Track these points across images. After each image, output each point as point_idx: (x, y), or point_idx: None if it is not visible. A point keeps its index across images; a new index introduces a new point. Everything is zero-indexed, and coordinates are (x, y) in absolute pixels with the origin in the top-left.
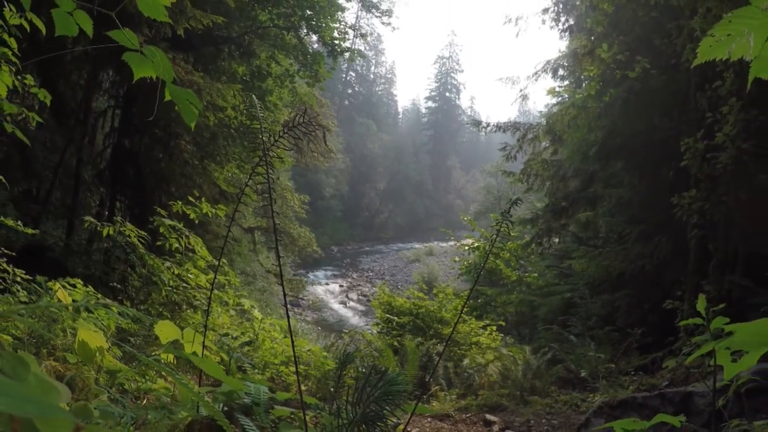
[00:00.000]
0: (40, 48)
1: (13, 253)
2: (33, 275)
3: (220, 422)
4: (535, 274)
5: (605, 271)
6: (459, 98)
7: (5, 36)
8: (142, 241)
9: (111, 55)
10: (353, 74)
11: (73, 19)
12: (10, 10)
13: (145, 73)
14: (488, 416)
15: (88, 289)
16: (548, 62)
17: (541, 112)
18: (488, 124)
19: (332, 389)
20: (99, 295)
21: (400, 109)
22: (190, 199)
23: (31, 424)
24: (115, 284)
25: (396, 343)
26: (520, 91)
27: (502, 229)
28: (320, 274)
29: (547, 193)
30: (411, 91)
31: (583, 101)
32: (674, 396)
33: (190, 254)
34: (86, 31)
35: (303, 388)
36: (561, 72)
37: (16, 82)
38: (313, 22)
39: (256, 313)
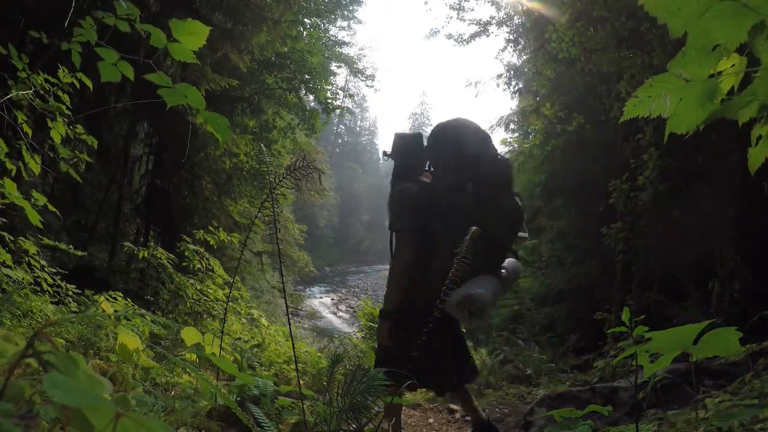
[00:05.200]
0: (88, 103)
1: (66, 272)
2: (82, 290)
3: (234, 410)
4: None
5: (547, 288)
6: None
7: (59, 93)
8: (171, 262)
9: (146, 111)
10: (343, 127)
11: (117, 68)
12: (63, 70)
13: (176, 102)
14: (452, 405)
15: (126, 301)
16: (501, 118)
17: None
18: None
19: (325, 383)
20: (135, 307)
21: (381, 156)
22: (210, 228)
23: (80, 412)
24: (148, 297)
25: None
26: None
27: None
28: (315, 289)
29: None
30: (390, 140)
31: (529, 150)
32: (603, 390)
33: (210, 273)
34: (128, 77)
35: (301, 382)
36: (512, 126)
37: (69, 131)
38: (311, 85)
39: (263, 321)
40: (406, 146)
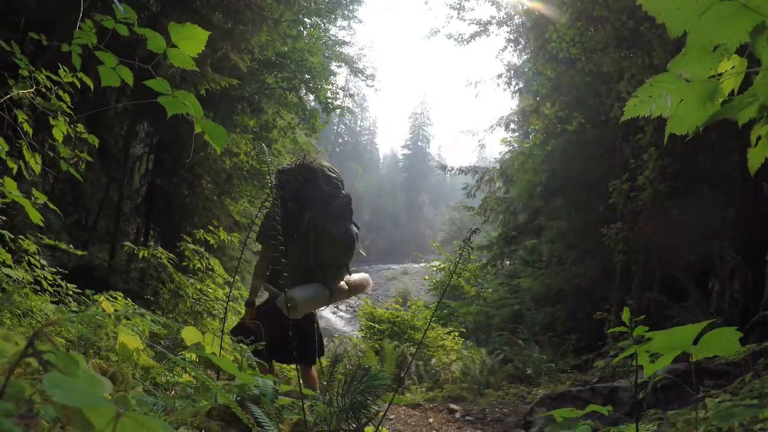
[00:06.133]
0: (89, 103)
1: (66, 271)
2: (82, 289)
3: (234, 409)
4: (490, 290)
5: (547, 288)
6: (429, 147)
7: (60, 92)
8: (171, 262)
9: (146, 111)
10: (343, 127)
11: (116, 73)
12: (64, 70)
13: (177, 110)
14: (451, 405)
15: (127, 301)
16: (502, 117)
17: (495, 158)
18: (453, 168)
19: (325, 383)
20: (135, 306)
21: (381, 156)
22: (210, 228)
23: (80, 411)
24: (148, 297)
25: (377, 346)
26: (479, 141)
27: (463, 254)
28: None
29: (500, 224)
30: (390, 140)
31: (529, 150)
32: (603, 390)
33: (210, 273)
34: (128, 82)
35: (301, 381)
36: (512, 126)
37: (70, 130)
38: (311, 85)
39: None
40: (282, 179)
